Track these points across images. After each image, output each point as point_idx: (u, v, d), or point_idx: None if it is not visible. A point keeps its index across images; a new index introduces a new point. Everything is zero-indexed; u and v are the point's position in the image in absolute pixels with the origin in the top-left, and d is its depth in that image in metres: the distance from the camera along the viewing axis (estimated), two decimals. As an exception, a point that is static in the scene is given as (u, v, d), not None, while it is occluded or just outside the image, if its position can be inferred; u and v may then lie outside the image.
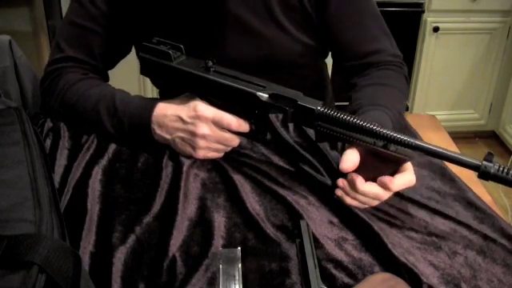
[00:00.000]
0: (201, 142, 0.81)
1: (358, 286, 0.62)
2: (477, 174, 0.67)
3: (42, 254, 0.48)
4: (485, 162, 0.65)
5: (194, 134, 0.81)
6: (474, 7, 2.46)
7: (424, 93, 2.63)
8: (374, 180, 0.75)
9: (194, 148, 0.82)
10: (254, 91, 0.77)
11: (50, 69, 0.97)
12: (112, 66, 1.05)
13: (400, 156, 0.70)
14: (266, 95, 0.77)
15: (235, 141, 0.83)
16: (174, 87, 0.86)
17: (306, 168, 0.85)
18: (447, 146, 0.97)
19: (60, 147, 0.87)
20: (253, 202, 0.77)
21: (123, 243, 0.69)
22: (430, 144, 0.68)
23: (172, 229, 0.71)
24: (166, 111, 0.83)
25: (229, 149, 0.85)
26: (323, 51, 1.07)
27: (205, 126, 0.80)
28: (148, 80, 2.27)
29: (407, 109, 2.62)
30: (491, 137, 2.84)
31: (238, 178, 0.81)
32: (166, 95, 1.03)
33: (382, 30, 0.96)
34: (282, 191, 0.79)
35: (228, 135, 0.82)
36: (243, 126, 0.81)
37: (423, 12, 2.44)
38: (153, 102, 0.85)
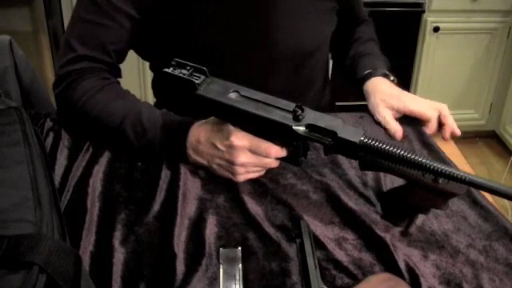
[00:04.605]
0: (240, 170, 0.79)
1: (359, 286, 0.62)
2: None
3: (43, 255, 0.47)
4: None
5: (232, 163, 0.78)
6: (475, 7, 2.46)
7: (424, 93, 2.63)
8: (426, 210, 0.73)
9: (233, 174, 0.80)
10: (289, 124, 0.72)
11: (64, 71, 0.92)
12: (123, 60, 1.01)
13: (451, 190, 0.67)
14: (302, 128, 0.71)
15: (274, 164, 0.80)
16: (202, 115, 0.82)
17: (307, 169, 0.85)
18: (447, 145, 0.97)
19: (60, 147, 0.87)
20: (252, 202, 0.77)
21: (123, 243, 0.69)
22: (483, 178, 0.63)
23: (172, 228, 0.71)
24: (200, 137, 0.81)
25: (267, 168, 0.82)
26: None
27: (242, 154, 0.77)
28: (148, 77, 2.27)
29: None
30: (491, 137, 2.84)
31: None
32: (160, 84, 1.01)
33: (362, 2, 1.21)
34: (281, 191, 0.79)
35: (267, 160, 0.79)
36: (281, 152, 0.78)
37: (423, 12, 2.44)
38: (186, 127, 0.82)
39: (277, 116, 0.72)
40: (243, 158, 0.77)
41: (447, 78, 2.62)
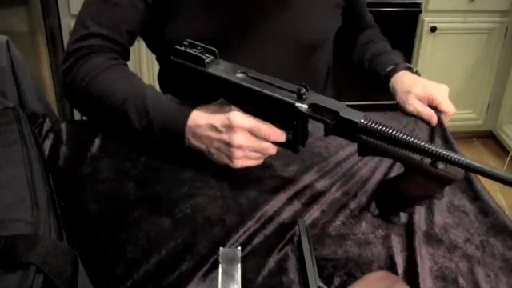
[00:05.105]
0: (237, 152, 0.77)
1: (356, 284, 0.62)
2: None
3: (40, 255, 0.47)
4: None
5: (229, 145, 0.77)
6: (472, 7, 2.46)
7: (421, 93, 2.63)
8: (422, 198, 0.72)
9: (230, 158, 0.78)
10: (292, 101, 0.73)
11: (75, 47, 0.91)
12: (132, 44, 0.99)
13: (449, 175, 0.66)
14: (305, 106, 0.72)
15: (273, 150, 0.79)
16: (208, 93, 0.81)
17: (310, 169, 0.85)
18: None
19: (60, 147, 0.87)
20: (253, 199, 0.77)
21: (124, 244, 0.69)
22: (481, 164, 0.63)
23: (174, 228, 0.71)
24: (200, 121, 0.80)
25: (266, 156, 0.81)
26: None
27: (241, 135, 0.76)
28: (144, 65, 2.25)
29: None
30: (488, 137, 2.85)
31: (238, 176, 0.81)
32: (167, 76, 1.01)
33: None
34: (281, 189, 0.79)
35: (265, 144, 0.78)
36: (281, 136, 0.77)
37: (420, 12, 2.44)
38: (187, 110, 0.82)
39: (280, 94, 0.74)
40: (242, 139, 0.76)
41: (444, 78, 2.60)
